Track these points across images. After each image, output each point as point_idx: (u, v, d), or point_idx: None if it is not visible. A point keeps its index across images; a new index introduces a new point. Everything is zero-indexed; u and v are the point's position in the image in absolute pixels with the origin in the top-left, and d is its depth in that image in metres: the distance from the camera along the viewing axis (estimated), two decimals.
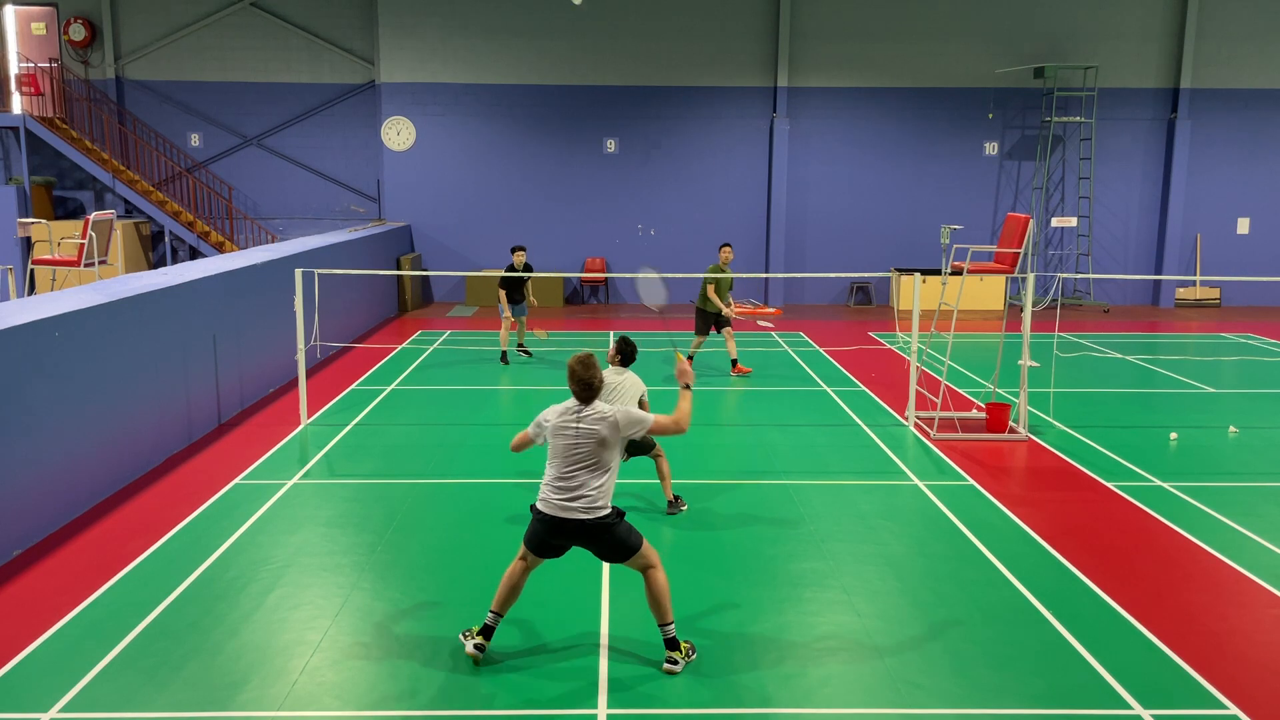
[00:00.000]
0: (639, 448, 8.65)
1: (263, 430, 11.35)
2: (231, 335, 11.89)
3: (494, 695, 5.74)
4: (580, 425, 5.92)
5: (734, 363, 14.57)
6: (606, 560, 6.13)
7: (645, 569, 6.06)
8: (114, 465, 9.18)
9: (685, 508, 8.75)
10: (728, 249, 14.44)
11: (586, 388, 5.93)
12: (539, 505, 6.04)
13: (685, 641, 6.17)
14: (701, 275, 14.14)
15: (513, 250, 15.23)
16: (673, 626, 6.05)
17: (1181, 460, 10.51)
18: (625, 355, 8.63)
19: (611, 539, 5.95)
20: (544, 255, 21.81)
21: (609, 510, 5.96)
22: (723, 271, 14.11)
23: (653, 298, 6.38)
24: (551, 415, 6.06)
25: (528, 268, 15.23)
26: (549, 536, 6.00)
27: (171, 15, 21.87)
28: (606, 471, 5.95)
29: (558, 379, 14.17)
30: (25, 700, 5.62)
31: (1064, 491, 9.44)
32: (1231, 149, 22.32)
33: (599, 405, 5.98)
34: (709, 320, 14.37)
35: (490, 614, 6.13)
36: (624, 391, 8.53)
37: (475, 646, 6.06)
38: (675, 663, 6.00)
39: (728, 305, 14.30)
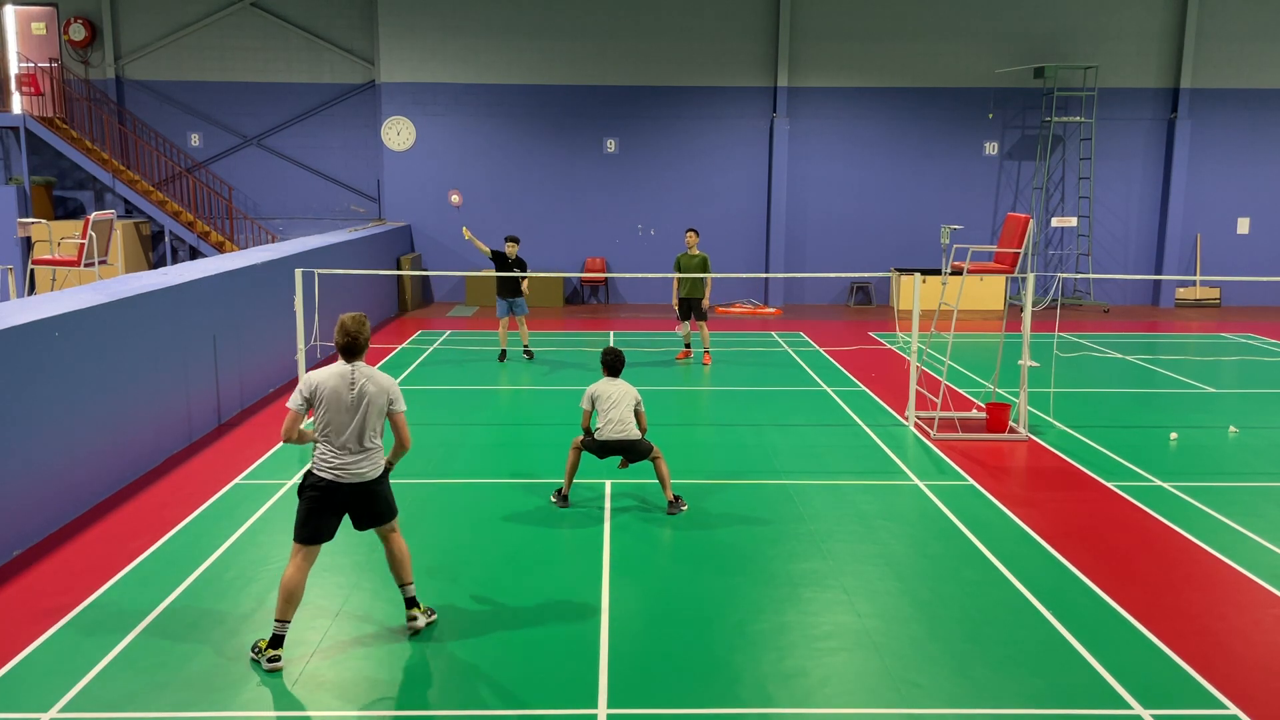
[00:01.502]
0: (638, 454, 8.71)
1: (263, 430, 11.34)
2: (231, 335, 11.89)
3: (494, 695, 5.74)
4: (356, 387, 6.05)
5: (706, 351, 15.34)
6: (366, 525, 6.26)
7: (391, 534, 6.37)
8: (114, 465, 9.18)
9: (685, 508, 8.76)
10: (690, 234, 15.13)
11: (354, 340, 6.10)
12: (322, 475, 6.05)
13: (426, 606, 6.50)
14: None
15: (505, 240, 15.18)
16: (413, 587, 6.41)
17: (1181, 460, 10.51)
18: (609, 366, 8.84)
19: (384, 498, 6.24)
20: (544, 255, 21.82)
21: (383, 469, 6.24)
22: (688, 257, 14.94)
23: None
24: (321, 379, 6.06)
25: (520, 263, 15.14)
26: (330, 507, 6.09)
27: (171, 15, 21.87)
28: (379, 431, 6.20)
29: (558, 378, 14.18)
30: (25, 700, 5.62)
31: (1064, 491, 9.44)
32: (1231, 149, 22.32)
33: (365, 366, 6.15)
34: (687, 307, 15.13)
35: (277, 623, 5.99)
36: (618, 400, 8.64)
37: (271, 660, 5.92)
38: (416, 619, 6.37)
39: (701, 295, 15.00)
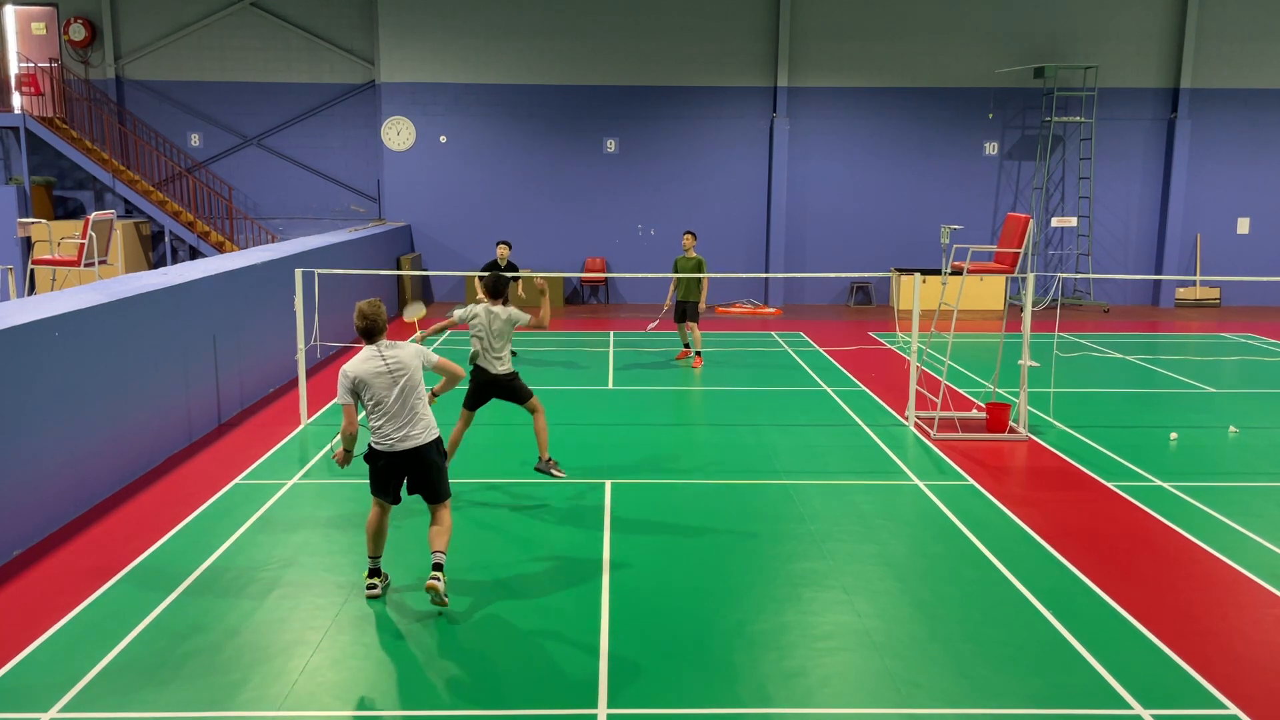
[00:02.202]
0: (515, 395, 9.10)
1: (263, 430, 11.35)
2: (231, 335, 11.89)
3: (494, 695, 5.74)
4: (389, 361, 6.62)
5: (697, 353, 15.15)
6: (420, 492, 6.84)
7: (440, 509, 6.89)
8: (114, 465, 9.18)
9: (561, 475, 9.14)
10: (687, 236, 15.07)
11: (373, 322, 6.67)
12: (379, 448, 6.68)
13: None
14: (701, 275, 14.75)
15: (496, 244, 15.06)
16: (443, 556, 6.79)
17: (1181, 460, 10.51)
18: (491, 288, 9.18)
19: (438, 470, 6.81)
20: (544, 255, 21.82)
21: (438, 434, 6.82)
22: (685, 259, 14.88)
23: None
24: (355, 367, 6.61)
25: (512, 267, 15.00)
26: (391, 474, 6.74)
27: (171, 15, 21.87)
28: (423, 397, 6.77)
29: (558, 378, 14.18)
30: (25, 700, 5.62)
31: (1064, 491, 9.44)
32: (1231, 149, 22.32)
33: (388, 342, 6.73)
34: (681, 310, 15.08)
35: (370, 559, 6.99)
36: (499, 330, 9.01)
37: (368, 588, 6.92)
38: (438, 581, 6.65)
39: (697, 298, 14.90)
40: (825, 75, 21.96)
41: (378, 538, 6.96)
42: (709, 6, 21.66)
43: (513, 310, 9.15)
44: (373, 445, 6.74)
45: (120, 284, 10.53)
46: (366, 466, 6.89)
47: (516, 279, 14.87)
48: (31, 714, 5.48)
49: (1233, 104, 22.11)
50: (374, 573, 6.99)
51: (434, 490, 6.86)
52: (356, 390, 6.62)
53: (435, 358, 6.87)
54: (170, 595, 6.95)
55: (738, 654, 6.21)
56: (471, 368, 9.19)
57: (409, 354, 6.71)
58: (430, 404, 7.00)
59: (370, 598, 6.90)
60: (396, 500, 6.91)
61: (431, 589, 6.62)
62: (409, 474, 6.79)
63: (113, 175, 21.33)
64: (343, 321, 16.07)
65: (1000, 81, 21.92)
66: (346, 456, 6.75)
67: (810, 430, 11.57)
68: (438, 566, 6.73)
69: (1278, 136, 22.31)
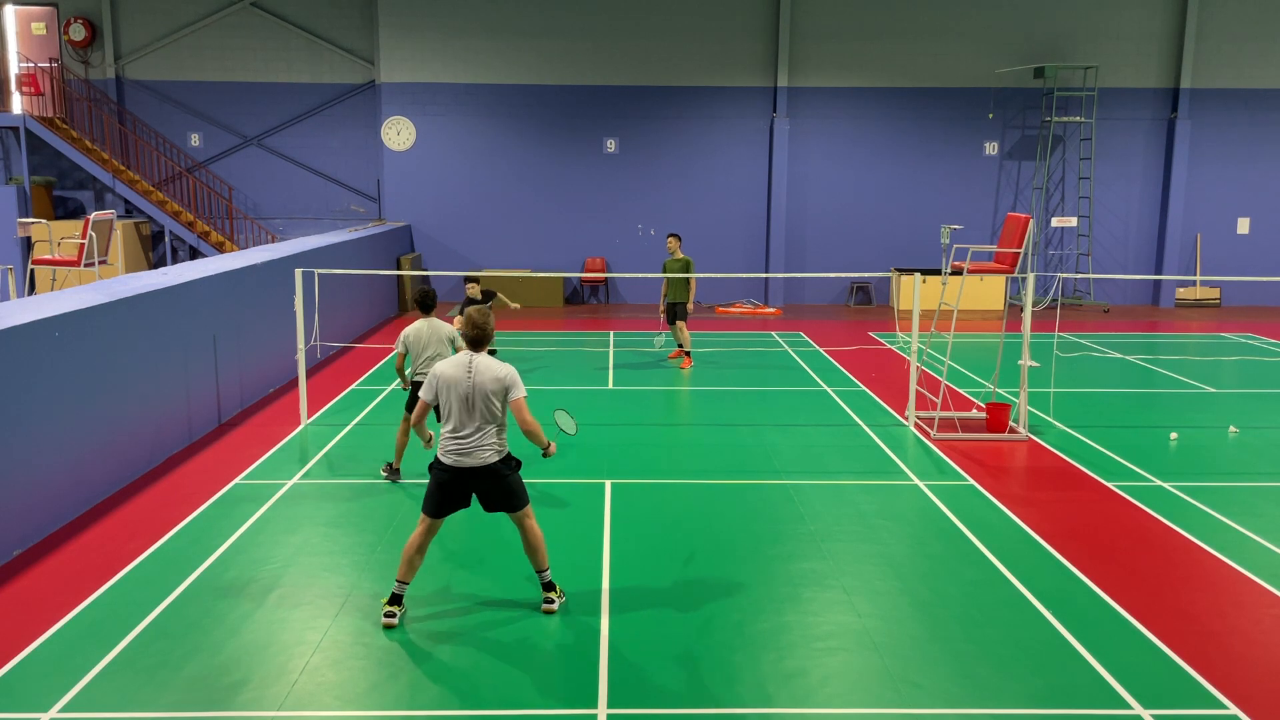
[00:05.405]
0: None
1: (263, 430, 11.34)
2: (231, 335, 11.89)
3: (494, 695, 5.74)
4: (471, 376, 6.39)
5: (686, 353, 15.22)
6: (494, 509, 6.64)
7: (524, 520, 6.68)
8: (114, 465, 9.18)
9: (393, 479, 9.26)
10: (671, 239, 15.12)
11: (482, 331, 6.50)
12: (444, 459, 6.48)
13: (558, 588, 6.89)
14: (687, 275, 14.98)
15: (465, 282, 13.57)
16: (549, 572, 6.77)
17: (1181, 460, 10.51)
18: (421, 304, 9.41)
19: (508, 485, 6.55)
20: (544, 255, 21.82)
21: (506, 452, 6.56)
22: (672, 261, 14.96)
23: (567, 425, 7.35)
24: (442, 369, 6.48)
25: (489, 295, 13.79)
26: (454, 489, 6.50)
27: (171, 15, 21.87)
28: (501, 424, 6.48)
29: (558, 378, 14.18)
30: (25, 700, 5.62)
31: (1064, 491, 9.44)
32: (1231, 149, 22.32)
33: (483, 357, 6.47)
34: (672, 311, 15.17)
35: (397, 583, 6.58)
36: (429, 339, 9.22)
37: (386, 614, 6.51)
38: (552, 602, 6.73)
39: (685, 299, 14.97)
40: (825, 75, 21.96)
41: (413, 562, 6.55)
42: (709, 6, 21.65)
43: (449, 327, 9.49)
44: (439, 456, 6.54)
45: (120, 284, 10.53)
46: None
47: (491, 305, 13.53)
48: (31, 714, 5.48)
49: (1233, 104, 22.11)
50: (396, 600, 6.55)
51: (508, 502, 6.57)
52: (436, 389, 6.45)
53: (518, 395, 6.40)
54: (170, 595, 6.94)
55: (738, 654, 6.21)
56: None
57: (496, 375, 6.36)
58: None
59: (387, 627, 6.46)
60: (454, 510, 6.60)
61: (547, 611, 6.69)
62: (477, 492, 6.53)
63: (113, 175, 21.32)
64: (343, 321, 16.08)
65: (1000, 81, 21.92)
66: (429, 440, 6.87)
67: (810, 430, 11.57)
68: (548, 586, 6.76)
69: (1278, 136, 22.31)
